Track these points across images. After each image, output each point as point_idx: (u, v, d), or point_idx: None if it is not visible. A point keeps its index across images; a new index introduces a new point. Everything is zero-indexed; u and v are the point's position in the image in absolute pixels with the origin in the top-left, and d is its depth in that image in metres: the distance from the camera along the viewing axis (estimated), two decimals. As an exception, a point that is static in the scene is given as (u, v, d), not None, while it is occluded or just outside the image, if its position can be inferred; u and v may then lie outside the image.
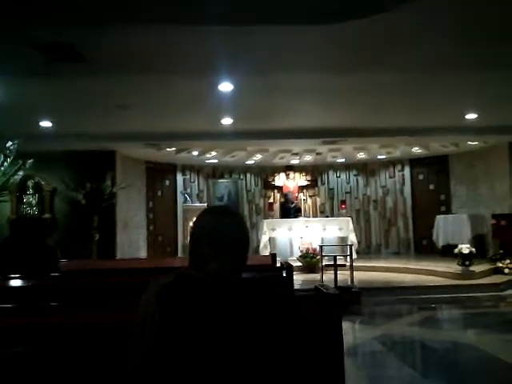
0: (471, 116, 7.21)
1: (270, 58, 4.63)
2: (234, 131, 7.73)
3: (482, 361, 4.71)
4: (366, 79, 5.36)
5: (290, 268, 3.30)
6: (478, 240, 10.09)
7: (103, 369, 1.81)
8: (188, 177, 12.88)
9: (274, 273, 3.63)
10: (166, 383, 1.29)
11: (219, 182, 13.21)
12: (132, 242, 10.64)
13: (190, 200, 12.24)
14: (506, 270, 9.11)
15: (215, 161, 11.80)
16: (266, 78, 5.13)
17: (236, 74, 4.95)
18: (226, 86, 5.32)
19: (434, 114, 7.07)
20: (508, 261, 9.18)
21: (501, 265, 9.25)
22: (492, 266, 9.37)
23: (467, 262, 9.06)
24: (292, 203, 12.73)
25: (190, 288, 1.39)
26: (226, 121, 7.22)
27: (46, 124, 7.32)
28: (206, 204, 11.94)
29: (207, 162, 11.94)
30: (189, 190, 12.67)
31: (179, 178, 12.70)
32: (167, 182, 12.48)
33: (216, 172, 13.25)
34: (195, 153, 10.51)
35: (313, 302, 1.92)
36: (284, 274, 3.40)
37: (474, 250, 9.06)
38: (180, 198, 12.42)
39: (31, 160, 6.97)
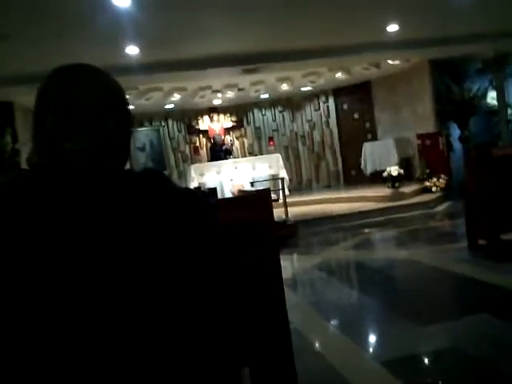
0: (393, 28, 6.88)
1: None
2: (142, 63, 6.86)
3: (418, 271, 4.77)
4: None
5: (214, 190, 2.85)
6: (404, 163, 10.20)
7: None
8: (104, 127, 11.89)
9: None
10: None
11: (139, 130, 12.33)
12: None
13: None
14: (434, 189, 9.31)
15: (131, 107, 10.83)
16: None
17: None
18: (121, -1, 4.50)
19: (356, 28, 6.67)
20: (435, 179, 9.37)
21: (428, 184, 9.43)
22: (420, 186, 9.54)
23: (397, 184, 9.14)
24: (221, 145, 12.21)
25: (33, 187, 0.87)
26: (132, 50, 6.37)
27: None
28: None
29: (122, 108, 10.92)
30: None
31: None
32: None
33: (134, 120, 12.22)
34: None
35: (238, 205, 1.46)
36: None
37: (402, 171, 9.13)
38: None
39: None
